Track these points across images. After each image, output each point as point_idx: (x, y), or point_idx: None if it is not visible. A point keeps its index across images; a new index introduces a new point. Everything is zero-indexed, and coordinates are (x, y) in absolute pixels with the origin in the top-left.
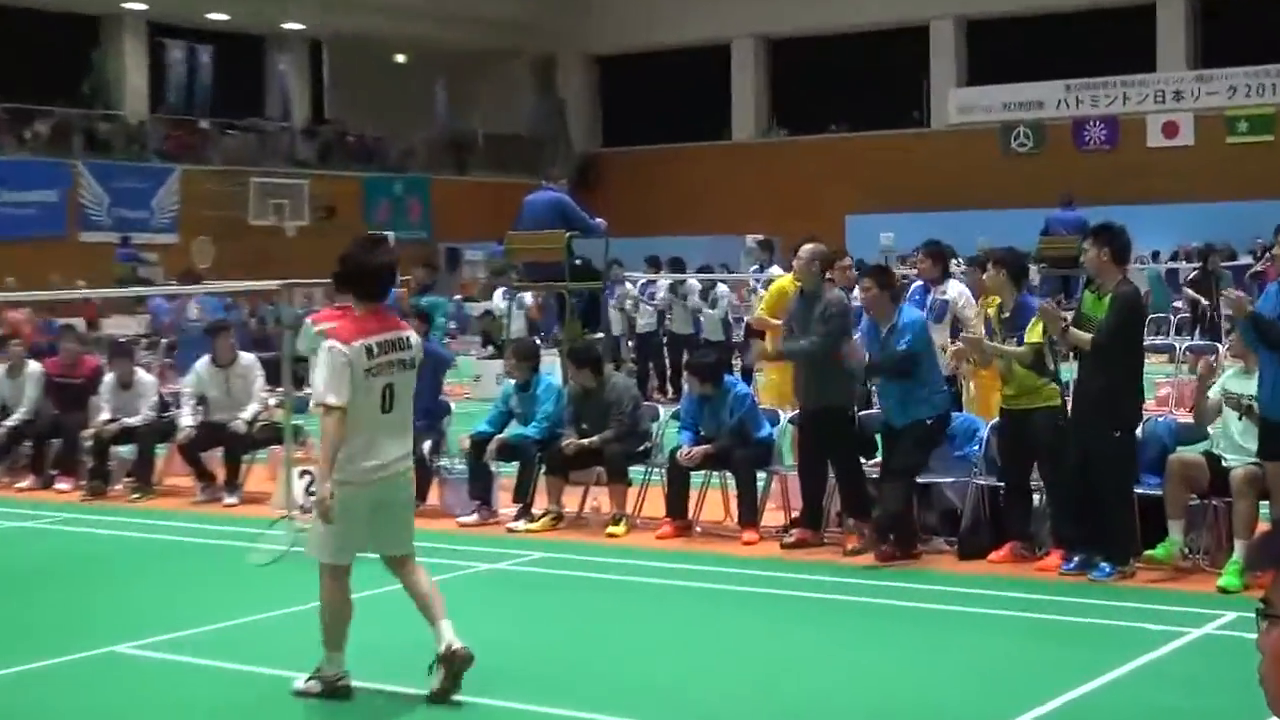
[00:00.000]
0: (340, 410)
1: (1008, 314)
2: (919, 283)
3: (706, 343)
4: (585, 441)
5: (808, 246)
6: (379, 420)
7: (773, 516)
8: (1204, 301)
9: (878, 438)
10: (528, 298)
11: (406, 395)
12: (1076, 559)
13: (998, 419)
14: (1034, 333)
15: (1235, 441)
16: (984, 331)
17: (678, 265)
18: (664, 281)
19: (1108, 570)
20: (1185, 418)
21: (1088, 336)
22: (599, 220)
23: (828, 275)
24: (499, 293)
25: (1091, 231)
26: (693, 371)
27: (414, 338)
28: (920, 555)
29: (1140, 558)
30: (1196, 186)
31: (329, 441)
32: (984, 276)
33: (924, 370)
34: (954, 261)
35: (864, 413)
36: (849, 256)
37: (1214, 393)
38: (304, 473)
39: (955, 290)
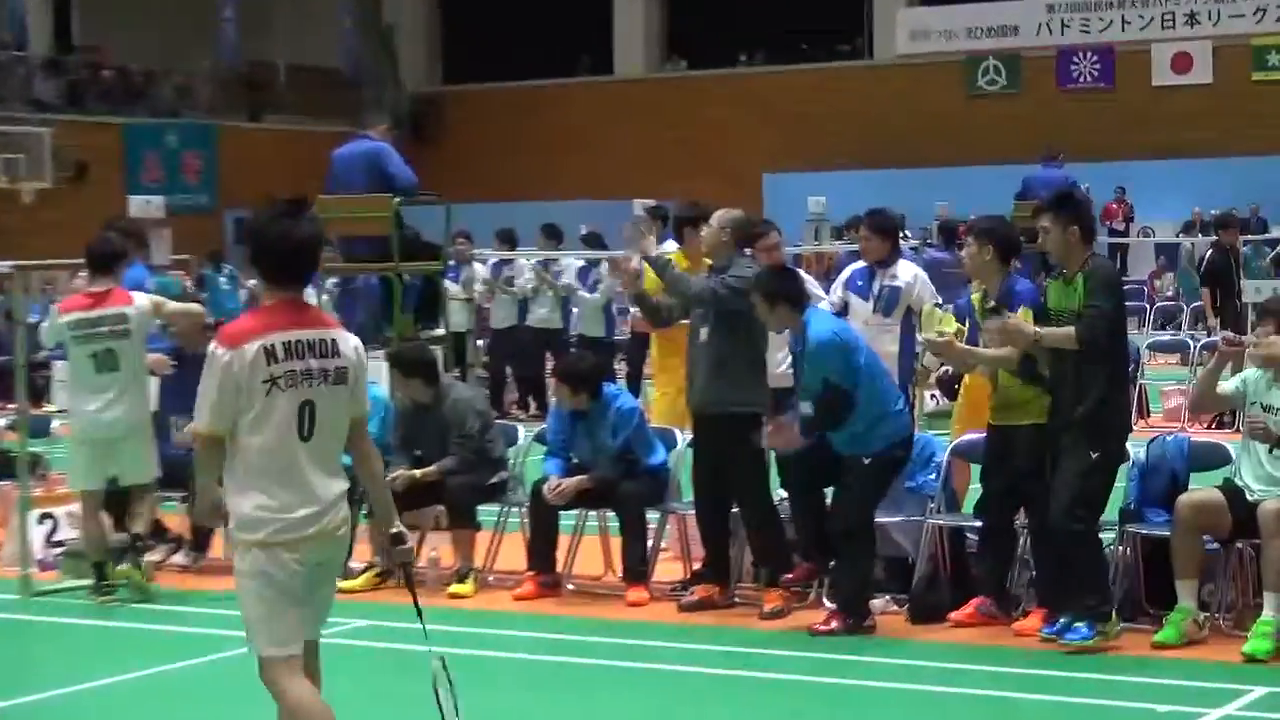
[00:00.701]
0: (212, 439)
1: (992, 303)
2: (859, 264)
3: (582, 341)
4: (419, 473)
5: (721, 212)
6: (296, 451)
7: (668, 569)
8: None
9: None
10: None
11: (336, 418)
12: (1062, 620)
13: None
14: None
15: (1264, 470)
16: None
17: (552, 236)
18: (523, 261)
19: (1085, 632)
20: (1202, 435)
21: (1067, 331)
22: (410, 174)
23: (749, 251)
24: None
25: (1050, 206)
26: (563, 379)
27: (349, 341)
28: (874, 627)
29: (1127, 620)
30: (1216, 137)
31: (201, 475)
32: (963, 254)
33: (865, 395)
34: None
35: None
36: (775, 232)
37: (1230, 386)
38: (44, 516)
39: (908, 273)
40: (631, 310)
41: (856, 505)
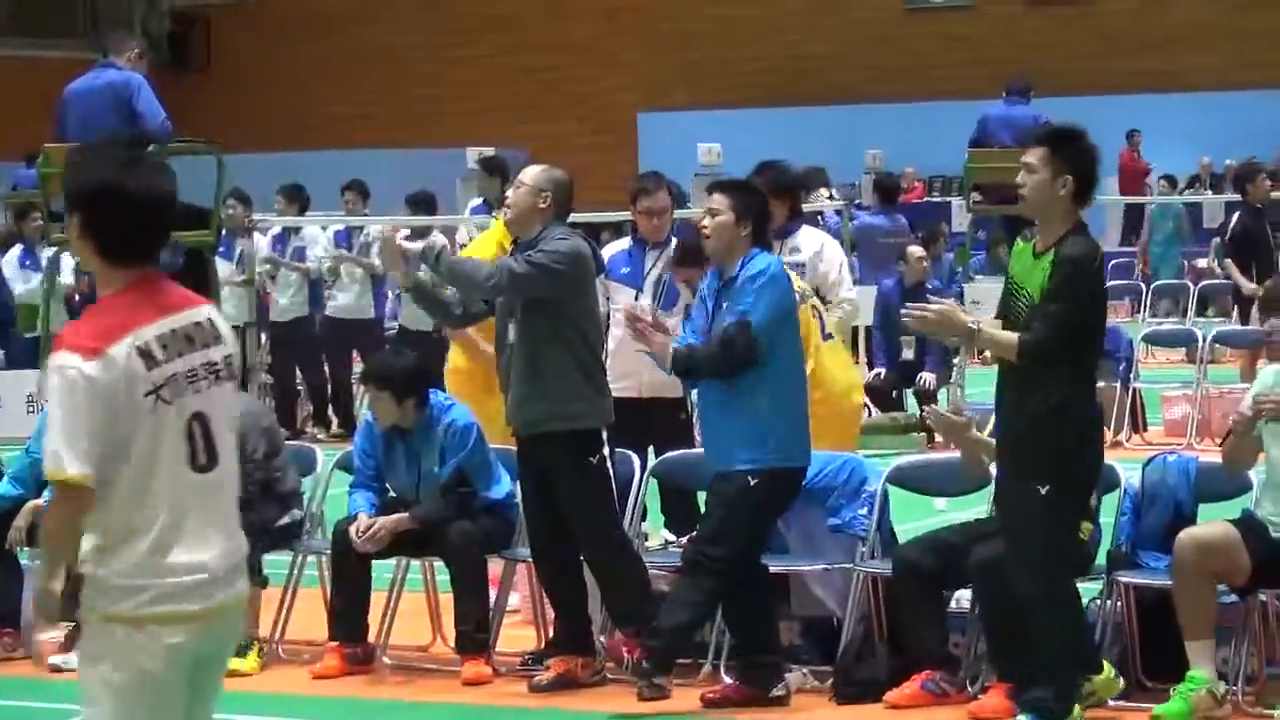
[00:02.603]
0: (81, 493)
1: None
2: None
3: (402, 335)
4: None
5: (532, 170)
6: (185, 490)
7: (515, 635)
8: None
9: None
10: (67, 262)
11: (228, 431)
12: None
13: None
14: None
15: None
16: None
17: (361, 194)
18: (314, 230)
19: None
20: (1212, 454)
21: (1010, 338)
22: (164, 119)
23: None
24: (15, 253)
25: (1046, 140)
26: (382, 383)
27: (221, 319)
28: (787, 698)
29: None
30: (1221, 64)
31: (56, 546)
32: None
33: (770, 370)
34: (826, 193)
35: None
36: (666, 187)
37: (1245, 408)
38: None
39: (811, 244)
40: None
41: (732, 535)
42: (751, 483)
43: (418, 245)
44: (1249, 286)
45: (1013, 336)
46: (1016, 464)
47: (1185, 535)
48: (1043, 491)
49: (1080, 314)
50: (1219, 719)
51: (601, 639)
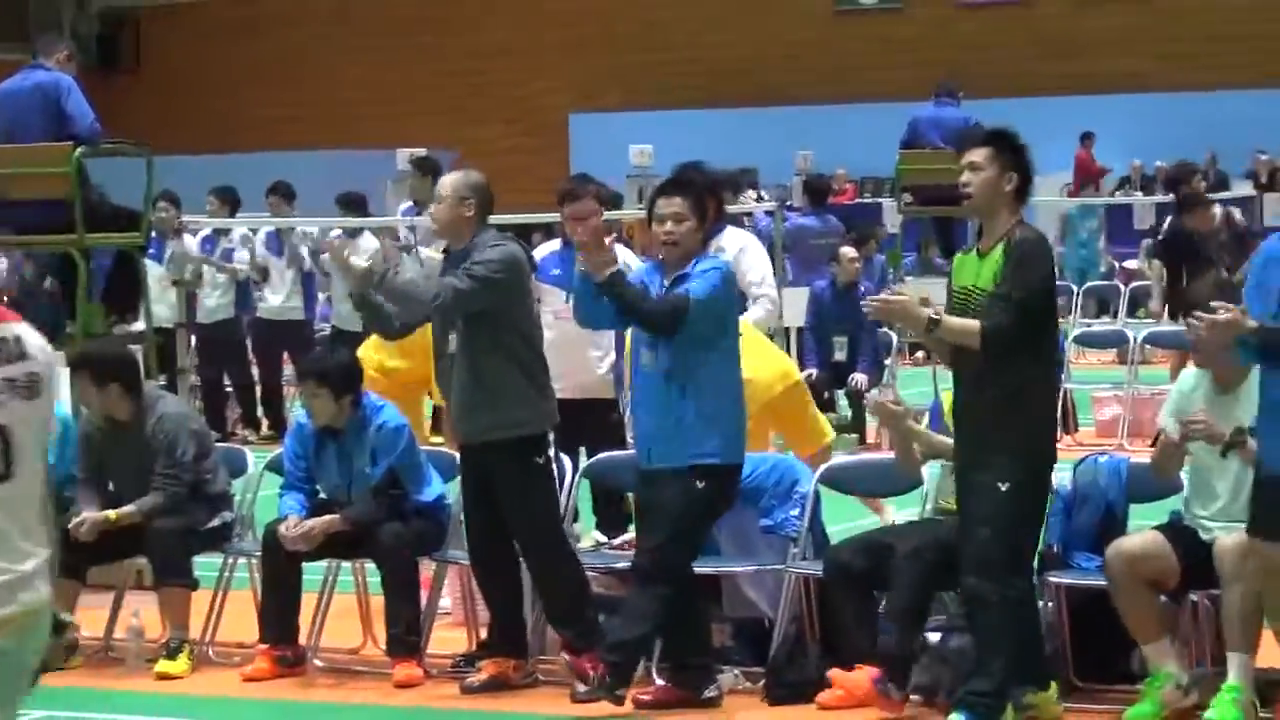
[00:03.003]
0: None
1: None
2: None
3: (336, 336)
4: (113, 514)
5: (454, 176)
6: None
7: (447, 638)
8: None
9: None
10: None
11: (37, 446)
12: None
13: None
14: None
15: (1221, 501)
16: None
17: (285, 196)
18: (243, 231)
19: None
20: (1143, 454)
21: (971, 325)
22: (93, 121)
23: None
24: None
25: (987, 138)
26: (320, 380)
27: (34, 337)
28: (719, 700)
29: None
30: (1155, 67)
31: None
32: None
33: (707, 370)
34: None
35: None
36: (594, 190)
37: (1166, 419)
38: None
39: (735, 244)
40: None
41: (681, 539)
42: (699, 485)
43: (364, 264)
44: (1155, 307)
45: (974, 324)
46: (976, 457)
47: (1113, 550)
48: (1003, 489)
49: (1036, 298)
50: (1185, 708)
51: (565, 657)
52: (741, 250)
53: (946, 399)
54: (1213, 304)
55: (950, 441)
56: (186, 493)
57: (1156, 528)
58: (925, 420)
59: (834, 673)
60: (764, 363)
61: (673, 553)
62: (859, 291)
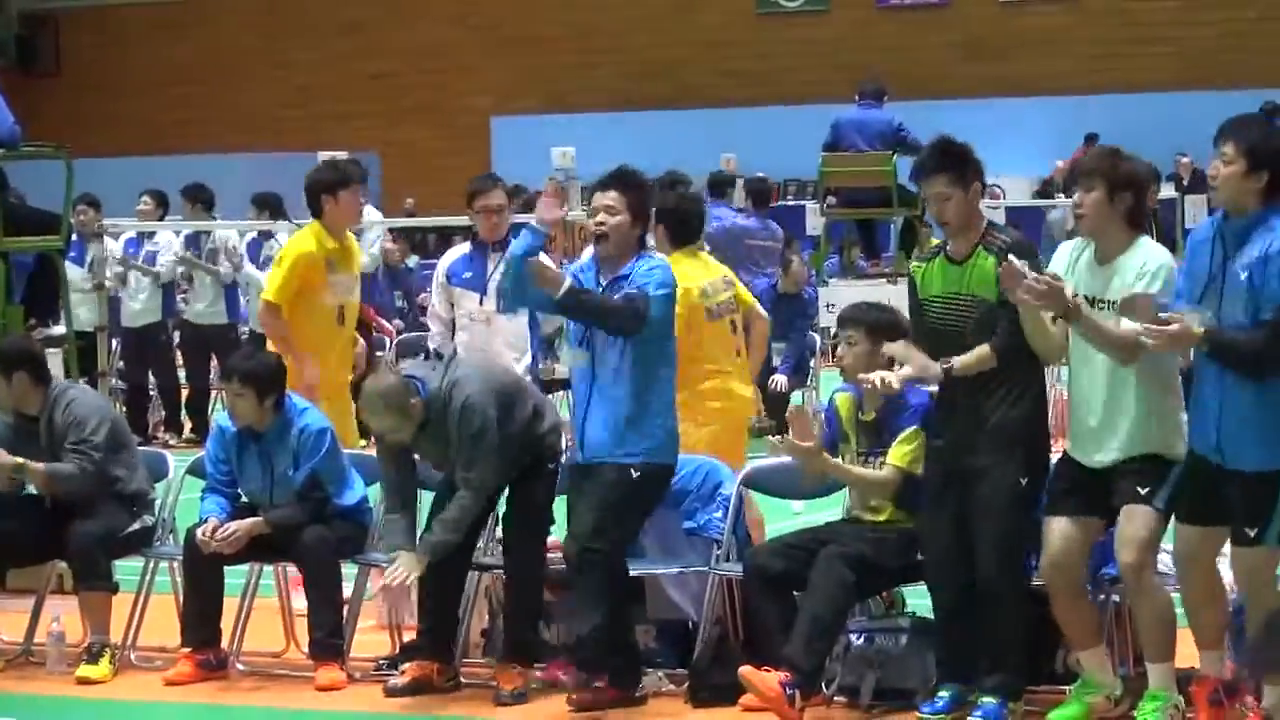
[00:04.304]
0: None
1: (871, 412)
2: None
3: (254, 338)
4: (21, 460)
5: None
6: None
7: (370, 640)
8: None
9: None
10: None
11: None
12: (946, 696)
13: None
14: (906, 446)
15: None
16: (822, 428)
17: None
18: (167, 235)
19: (997, 710)
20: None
21: (984, 354)
22: (13, 124)
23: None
24: None
25: (948, 162)
26: (246, 379)
27: None
28: (645, 698)
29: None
30: (1078, 67)
31: None
32: (845, 346)
33: (649, 368)
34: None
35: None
36: (501, 187)
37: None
38: None
39: None
40: None
41: (615, 527)
42: (634, 475)
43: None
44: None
45: (984, 350)
46: (989, 454)
47: (1044, 562)
48: (1023, 484)
49: None
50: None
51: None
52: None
53: (841, 401)
54: (1162, 315)
55: (856, 471)
56: (97, 473)
57: (1051, 506)
58: (821, 422)
59: (745, 670)
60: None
61: (603, 538)
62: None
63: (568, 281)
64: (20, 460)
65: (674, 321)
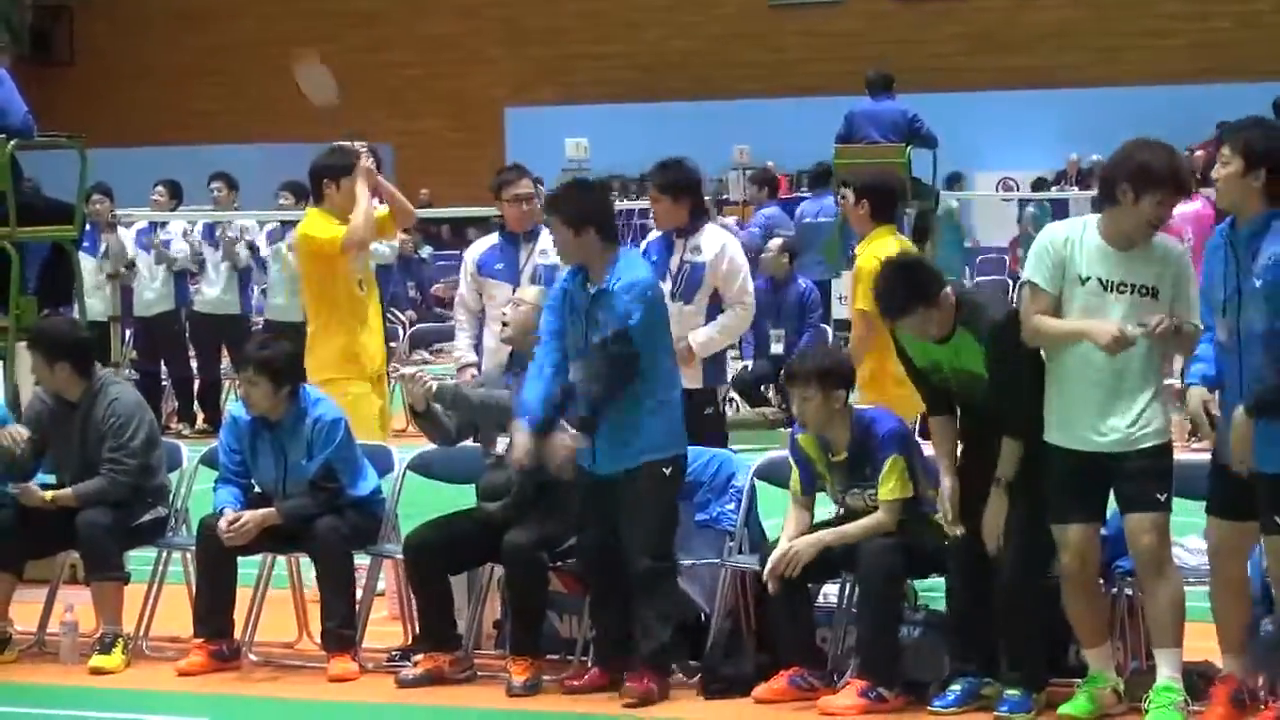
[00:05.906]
0: None
1: (842, 452)
2: (655, 234)
3: (269, 328)
4: (49, 495)
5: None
6: None
7: (383, 631)
8: None
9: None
10: None
11: None
12: (958, 689)
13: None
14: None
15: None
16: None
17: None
18: (180, 224)
19: (1022, 703)
20: None
21: (1015, 448)
22: (26, 113)
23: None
24: None
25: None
26: (261, 368)
27: None
28: (669, 694)
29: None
30: (1093, 61)
31: None
32: (800, 402)
33: (652, 373)
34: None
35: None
36: (528, 179)
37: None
38: None
39: (713, 244)
40: None
41: (669, 529)
42: (666, 472)
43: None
44: None
45: (1012, 445)
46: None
47: (1063, 562)
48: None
49: (1029, 360)
50: (1119, 714)
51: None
52: (720, 250)
53: (806, 444)
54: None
55: (853, 529)
56: (131, 484)
57: (1062, 512)
58: None
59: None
60: None
61: (662, 547)
62: (796, 286)
63: (578, 439)
64: (50, 495)
65: (665, 323)
